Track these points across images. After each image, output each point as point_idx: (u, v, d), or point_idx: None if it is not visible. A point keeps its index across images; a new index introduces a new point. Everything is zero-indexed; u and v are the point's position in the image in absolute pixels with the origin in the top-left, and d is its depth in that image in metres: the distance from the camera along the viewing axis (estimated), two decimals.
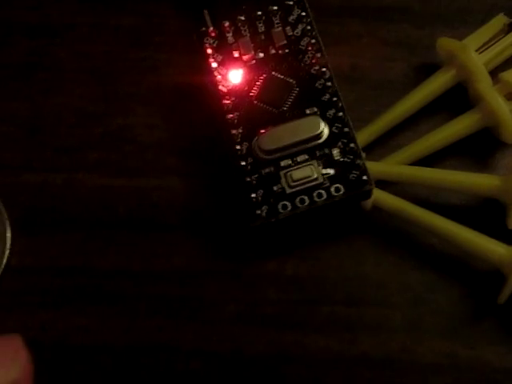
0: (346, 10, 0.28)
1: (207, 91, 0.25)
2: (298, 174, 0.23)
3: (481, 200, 0.25)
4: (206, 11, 0.26)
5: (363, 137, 0.25)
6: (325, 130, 0.24)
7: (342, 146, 0.24)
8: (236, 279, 0.25)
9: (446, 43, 0.26)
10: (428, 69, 0.27)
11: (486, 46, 0.26)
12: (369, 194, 0.24)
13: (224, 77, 0.25)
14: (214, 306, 0.24)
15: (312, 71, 0.25)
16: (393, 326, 0.24)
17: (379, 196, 0.24)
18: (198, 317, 0.24)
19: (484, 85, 0.25)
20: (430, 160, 0.26)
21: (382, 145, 0.26)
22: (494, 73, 0.26)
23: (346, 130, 0.24)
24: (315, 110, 0.24)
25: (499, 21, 0.26)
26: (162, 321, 0.24)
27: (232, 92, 0.25)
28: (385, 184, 0.25)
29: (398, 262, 0.25)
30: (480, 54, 0.25)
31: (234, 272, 0.25)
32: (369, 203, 0.24)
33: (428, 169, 0.25)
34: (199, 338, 0.24)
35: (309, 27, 0.25)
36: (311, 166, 0.23)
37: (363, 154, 0.24)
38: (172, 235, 0.25)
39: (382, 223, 0.25)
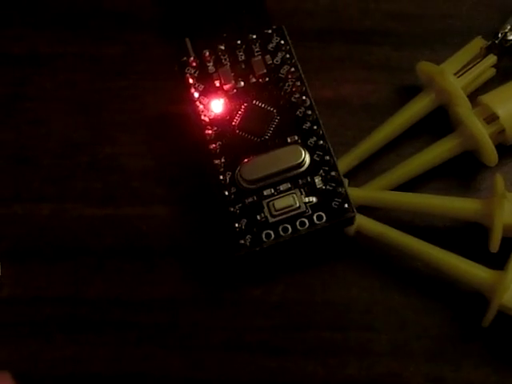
0: (327, 35, 0.28)
1: (190, 120, 0.25)
2: (281, 203, 0.23)
3: (465, 223, 0.25)
4: (187, 39, 0.27)
5: (346, 162, 0.26)
6: (306, 158, 0.24)
7: (323, 174, 0.24)
8: (222, 306, 0.25)
9: (425, 67, 0.26)
10: (410, 91, 0.27)
11: (465, 70, 0.26)
12: (351, 221, 0.24)
13: (206, 106, 0.25)
14: (201, 333, 0.25)
15: (292, 99, 0.25)
16: (379, 350, 0.24)
17: (362, 222, 0.24)
18: (185, 344, 0.25)
19: (463, 109, 0.25)
20: (413, 183, 0.26)
21: (366, 169, 0.26)
22: (474, 95, 0.26)
23: (327, 157, 0.24)
24: (296, 138, 0.24)
25: (476, 44, 0.26)
26: (150, 349, 0.25)
27: (214, 122, 0.25)
28: (369, 209, 0.25)
29: (383, 286, 0.25)
30: (458, 77, 0.26)
31: (220, 299, 0.25)
32: (352, 229, 0.25)
33: (409, 194, 0.25)
34: (187, 366, 0.24)
35: (288, 55, 0.25)
36: (293, 195, 0.24)
37: (345, 181, 0.25)
38: (159, 263, 0.26)
39: (367, 248, 0.25)
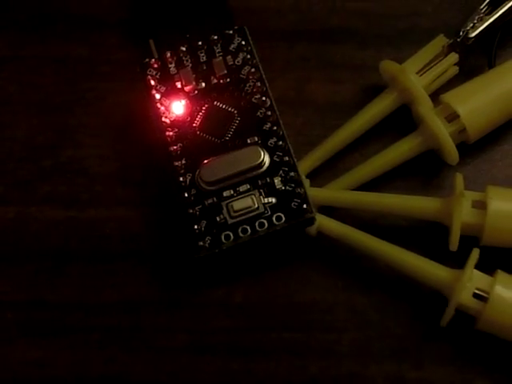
0: (292, 34, 0.28)
1: (151, 122, 0.25)
2: (239, 204, 0.23)
3: (427, 222, 0.25)
4: (151, 41, 0.26)
5: (309, 162, 0.26)
6: (266, 159, 0.24)
7: (283, 175, 0.24)
8: (185, 308, 0.25)
9: (387, 66, 0.26)
10: (374, 90, 0.27)
11: (427, 68, 0.26)
12: (311, 222, 0.24)
13: (167, 108, 0.25)
14: (163, 335, 0.25)
15: (253, 100, 0.25)
16: (341, 350, 0.24)
17: (323, 222, 0.24)
18: (148, 347, 0.25)
19: (424, 108, 0.25)
20: (377, 182, 0.26)
21: (330, 169, 0.26)
22: (439, 94, 0.26)
23: (287, 158, 0.24)
24: (256, 139, 0.24)
25: (438, 42, 0.26)
26: (114, 352, 0.25)
27: (175, 123, 0.25)
28: (331, 209, 0.25)
29: (346, 287, 0.25)
30: (420, 76, 0.26)
31: (182, 301, 0.25)
32: (313, 230, 0.24)
33: (370, 193, 0.25)
34: (150, 369, 0.24)
35: (249, 56, 0.25)
36: (252, 196, 0.24)
37: (306, 181, 0.25)
38: (122, 266, 0.26)
39: (329, 249, 0.25)
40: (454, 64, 0.26)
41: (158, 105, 0.25)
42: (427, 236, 0.25)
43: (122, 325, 0.25)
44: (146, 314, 0.25)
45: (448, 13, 0.28)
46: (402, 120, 0.26)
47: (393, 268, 0.24)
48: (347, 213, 0.25)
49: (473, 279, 0.23)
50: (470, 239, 0.24)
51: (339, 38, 0.28)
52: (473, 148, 0.26)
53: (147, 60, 0.26)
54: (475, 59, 0.27)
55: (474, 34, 0.26)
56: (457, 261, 0.24)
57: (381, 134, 0.27)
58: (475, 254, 0.23)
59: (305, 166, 0.25)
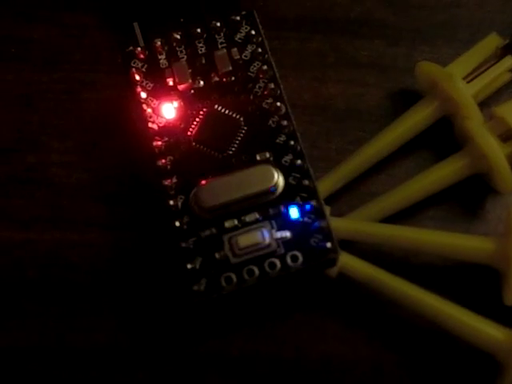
0: (307, 24, 0.25)
1: (135, 127, 0.22)
2: (245, 240, 0.19)
3: (471, 264, 0.21)
4: (136, 24, 0.23)
5: (327, 184, 0.22)
6: (279, 181, 0.20)
7: (301, 203, 0.20)
8: (170, 361, 0.21)
9: (427, 69, 0.22)
10: (406, 96, 0.24)
11: (475, 73, 0.22)
12: (333, 263, 0.20)
13: (155, 111, 0.21)
14: None
15: (264, 105, 0.21)
16: None
17: (347, 262, 0.20)
18: None
19: (473, 122, 0.21)
20: (407, 210, 0.22)
21: (351, 192, 0.23)
22: (485, 104, 0.22)
23: (306, 182, 0.20)
24: (267, 155, 0.20)
25: (491, 42, 0.22)
26: None
27: (165, 130, 0.21)
28: (350, 241, 0.21)
29: (369, 340, 0.21)
30: (468, 83, 0.22)
31: (167, 352, 0.21)
32: (334, 270, 0.20)
33: (404, 228, 0.21)
34: None
35: (260, 49, 0.21)
36: (262, 229, 0.19)
37: (327, 210, 0.20)
38: (92, 304, 0.22)
39: (350, 292, 0.21)
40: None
41: (144, 106, 0.21)
42: (469, 281, 0.21)
43: (89, 378, 0.21)
44: (119, 366, 0.21)
45: (496, 4, 0.25)
46: (439, 135, 0.23)
47: (430, 321, 0.20)
48: (371, 247, 0.21)
49: None
50: None
51: (363, 30, 0.25)
52: None
53: (131, 48, 0.22)
54: None
55: None
56: (503, 316, 0.20)
57: (411, 153, 0.23)
58: None
59: (322, 188, 0.21)
